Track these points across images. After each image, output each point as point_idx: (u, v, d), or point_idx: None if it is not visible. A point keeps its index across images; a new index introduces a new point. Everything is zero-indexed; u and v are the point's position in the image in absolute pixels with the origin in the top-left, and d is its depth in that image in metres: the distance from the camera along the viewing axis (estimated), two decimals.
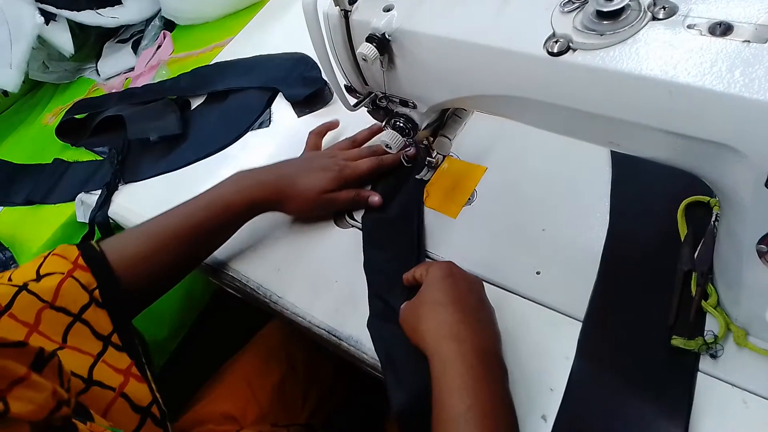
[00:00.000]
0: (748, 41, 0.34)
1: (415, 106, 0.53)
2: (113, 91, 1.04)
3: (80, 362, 0.46)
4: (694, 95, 0.35)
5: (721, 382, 0.48)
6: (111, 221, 0.85)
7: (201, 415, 0.73)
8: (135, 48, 1.13)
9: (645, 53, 0.36)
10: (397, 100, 0.54)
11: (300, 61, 0.88)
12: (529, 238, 0.61)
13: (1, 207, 0.92)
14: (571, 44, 0.38)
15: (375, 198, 0.66)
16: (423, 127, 0.57)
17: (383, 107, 0.56)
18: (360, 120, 0.78)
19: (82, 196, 0.87)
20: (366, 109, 0.58)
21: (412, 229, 0.65)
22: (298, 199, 0.66)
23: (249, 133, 0.86)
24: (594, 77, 0.38)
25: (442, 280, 0.52)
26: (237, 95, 0.90)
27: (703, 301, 0.51)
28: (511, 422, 0.46)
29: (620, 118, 0.39)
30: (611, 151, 0.64)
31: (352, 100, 0.54)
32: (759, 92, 0.33)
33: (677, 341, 0.49)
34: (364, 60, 0.47)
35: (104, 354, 0.48)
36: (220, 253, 0.72)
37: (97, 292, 0.51)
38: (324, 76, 0.85)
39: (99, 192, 0.85)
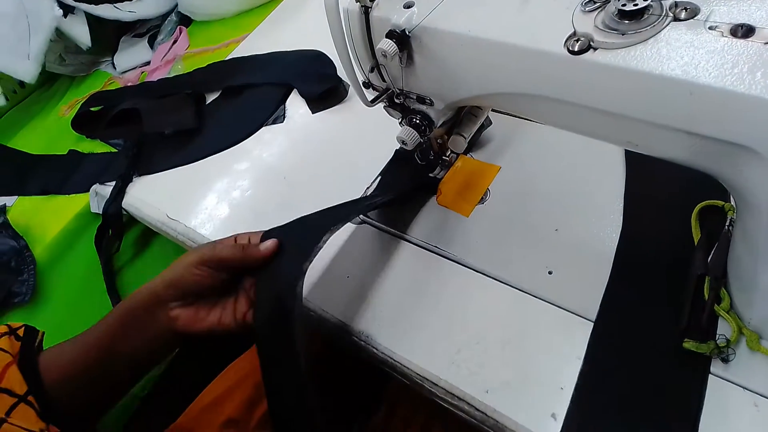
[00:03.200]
0: None
1: (432, 103, 0.53)
2: (129, 84, 1.05)
3: None
4: (714, 96, 0.35)
5: (733, 385, 0.48)
6: (124, 213, 0.86)
7: (201, 419, 0.71)
8: (151, 42, 1.14)
9: (666, 53, 0.36)
10: (414, 97, 0.54)
11: (315, 58, 0.89)
12: (541, 237, 0.61)
13: (16, 197, 0.93)
14: (592, 43, 0.38)
15: (269, 245, 0.56)
16: (439, 124, 0.57)
17: (400, 104, 0.56)
18: (374, 118, 0.78)
19: (96, 187, 0.88)
20: (382, 105, 0.58)
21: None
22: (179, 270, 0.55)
23: (263, 129, 0.87)
24: (614, 76, 0.38)
25: None
26: (252, 91, 0.91)
27: (715, 305, 0.51)
28: None
29: (640, 118, 0.39)
30: (625, 152, 0.64)
31: (370, 96, 0.55)
32: None
33: (689, 344, 0.49)
34: (384, 56, 0.47)
35: None
36: None
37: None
38: (341, 73, 0.86)
39: (113, 183, 0.86)
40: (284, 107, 0.88)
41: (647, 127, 0.39)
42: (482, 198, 0.67)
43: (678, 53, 0.36)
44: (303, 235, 0.57)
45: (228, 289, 0.57)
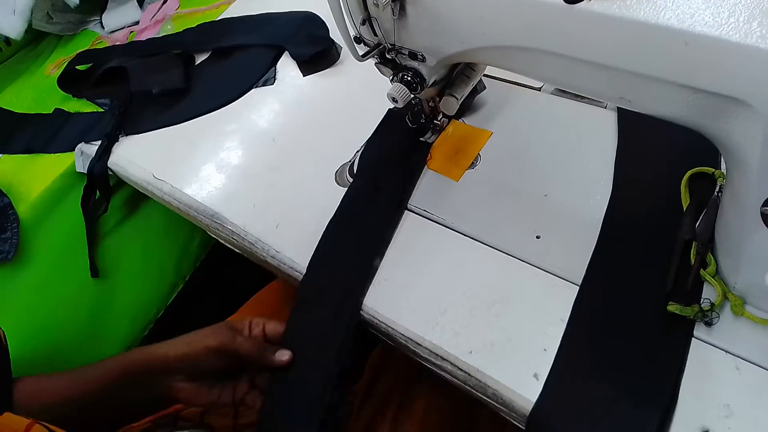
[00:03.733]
0: None
1: (424, 59, 0.52)
2: (117, 44, 1.03)
3: None
4: (709, 46, 0.34)
5: (715, 349, 0.48)
6: (110, 172, 0.84)
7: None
8: (140, 2, 1.11)
9: (662, 2, 0.35)
10: (406, 53, 0.53)
11: (307, 19, 0.87)
12: (530, 202, 0.61)
13: (1, 155, 0.92)
14: None
15: (284, 357, 0.56)
16: (430, 83, 0.56)
17: (391, 60, 0.55)
18: (366, 82, 0.77)
19: (82, 146, 0.86)
20: (374, 62, 0.57)
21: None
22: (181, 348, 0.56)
23: (253, 91, 0.85)
24: (610, 26, 0.37)
25: None
26: (242, 52, 0.89)
27: (701, 269, 0.51)
28: None
29: (634, 70, 0.38)
30: (618, 119, 0.63)
31: (361, 51, 0.53)
32: None
33: (673, 307, 0.49)
34: (376, 5, 0.46)
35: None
36: (218, 206, 0.72)
37: None
38: (334, 35, 0.85)
39: (99, 143, 0.85)
40: (275, 69, 0.86)
41: (641, 80, 0.39)
42: (473, 163, 0.66)
43: (674, 2, 0.35)
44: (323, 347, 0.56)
45: (229, 371, 0.58)
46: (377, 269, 0.60)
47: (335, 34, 0.85)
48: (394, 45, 0.53)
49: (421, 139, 0.69)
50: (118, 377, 0.55)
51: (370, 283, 0.60)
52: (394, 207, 0.64)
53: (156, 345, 0.56)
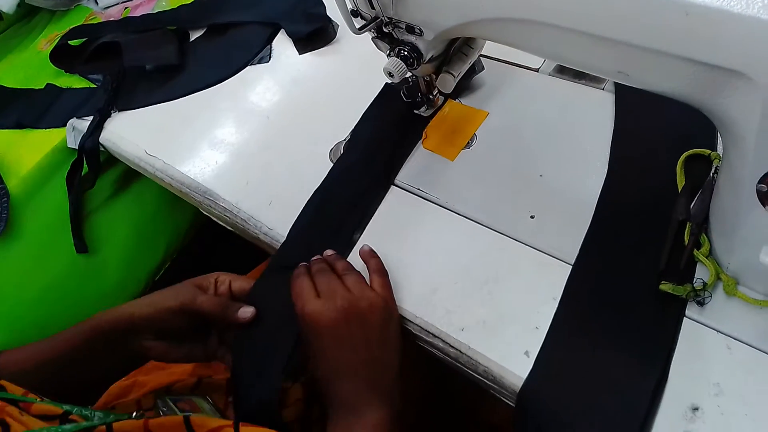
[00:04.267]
0: None
1: (421, 33, 0.52)
2: (111, 20, 1.02)
3: None
4: (710, 16, 0.33)
5: (707, 328, 0.48)
6: (102, 148, 0.83)
7: (140, 380, 0.71)
8: None
9: None
10: (403, 27, 0.52)
11: None
12: (526, 182, 0.61)
13: None
14: None
15: (247, 314, 0.55)
16: (427, 58, 0.55)
17: (388, 34, 0.54)
18: (362, 61, 0.77)
19: (73, 121, 0.85)
20: (371, 36, 0.56)
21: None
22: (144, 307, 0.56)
23: (248, 68, 0.84)
24: None
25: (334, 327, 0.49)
26: (238, 29, 0.88)
27: (695, 249, 0.51)
28: None
29: (634, 42, 0.38)
30: (615, 100, 0.63)
31: (358, 25, 0.53)
32: None
33: (666, 286, 0.49)
34: None
35: None
36: (211, 183, 0.71)
37: None
38: (330, 5, 0.84)
39: (91, 118, 0.83)
40: (270, 47, 0.85)
41: (640, 53, 0.38)
42: (468, 143, 0.66)
43: None
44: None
45: (198, 327, 0.58)
46: (356, 242, 0.61)
47: (332, 11, 0.84)
48: (391, 18, 0.52)
49: (415, 111, 0.68)
50: (89, 337, 0.55)
51: (348, 255, 0.60)
52: (380, 182, 0.64)
53: (124, 305, 0.56)
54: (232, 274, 0.60)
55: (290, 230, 0.63)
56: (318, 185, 0.66)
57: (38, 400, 0.42)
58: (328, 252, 0.58)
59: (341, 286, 0.51)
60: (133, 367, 0.60)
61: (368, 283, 0.53)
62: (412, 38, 0.53)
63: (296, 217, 0.63)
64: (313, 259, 0.57)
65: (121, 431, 0.40)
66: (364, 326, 0.50)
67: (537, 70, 0.70)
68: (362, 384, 0.49)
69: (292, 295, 0.52)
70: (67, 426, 0.39)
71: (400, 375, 0.50)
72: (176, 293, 0.56)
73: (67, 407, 0.42)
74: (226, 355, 0.58)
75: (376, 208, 0.63)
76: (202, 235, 1.00)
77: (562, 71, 0.68)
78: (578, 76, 0.67)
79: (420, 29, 0.51)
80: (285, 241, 0.62)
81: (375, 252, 0.57)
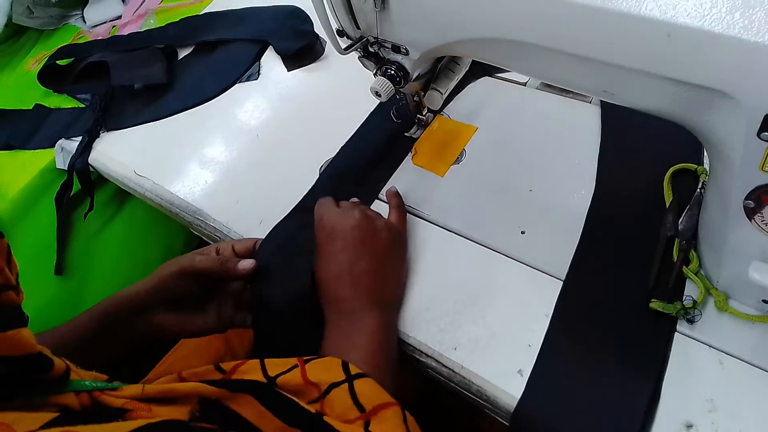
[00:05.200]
0: None
1: (407, 53, 0.52)
2: (99, 38, 1.01)
3: None
4: (692, 37, 0.34)
5: (699, 344, 0.48)
6: (91, 169, 0.83)
7: (174, 369, 0.71)
8: None
9: None
10: (389, 46, 0.52)
11: (292, 13, 0.86)
12: (515, 198, 0.61)
13: None
14: None
15: (247, 265, 0.56)
16: (414, 77, 0.55)
17: (374, 53, 0.54)
18: (351, 77, 0.76)
19: (62, 142, 0.85)
20: (357, 55, 0.56)
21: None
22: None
23: (237, 86, 0.84)
24: (592, 18, 0.37)
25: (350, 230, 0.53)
26: (226, 47, 0.88)
27: (684, 266, 0.51)
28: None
29: (617, 62, 0.38)
30: (601, 115, 0.63)
31: (344, 45, 0.53)
32: (758, 35, 0.32)
33: (656, 305, 0.49)
34: None
35: None
36: (201, 203, 0.71)
37: None
38: (318, 29, 0.84)
39: (80, 139, 0.83)
40: (259, 64, 0.85)
41: (623, 73, 0.38)
42: (458, 158, 0.66)
43: None
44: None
45: (208, 294, 0.58)
46: None
47: (319, 28, 0.84)
48: (377, 38, 0.52)
49: (405, 134, 0.68)
50: (101, 320, 0.55)
51: None
52: (364, 193, 0.64)
53: (129, 286, 0.56)
54: (233, 240, 0.62)
55: (266, 237, 0.62)
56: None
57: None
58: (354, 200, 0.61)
59: (362, 207, 0.57)
60: (153, 347, 0.59)
61: None
62: (398, 57, 0.53)
63: (275, 224, 0.63)
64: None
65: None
66: (375, 240, 0.54)
67: (524, 84, 0.70)
68: (363, 291, 0.51)
69: (315, 211, 0.57)
70: (116, 383, 0.38)
71: (398, 305, 0.55)
72: (176, 260, 0.56)
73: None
74: (246, 318, 0.58)
75: None
76: None
77: (549, 86, 0.68)
78: (565, 90, 0.67)
79: (406, 49, 0.51)
80: (262, 242, 0.62)
81: (399, 194, 0.62)
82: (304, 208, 0.64)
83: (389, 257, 0.55)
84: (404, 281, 0.57)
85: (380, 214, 0.58)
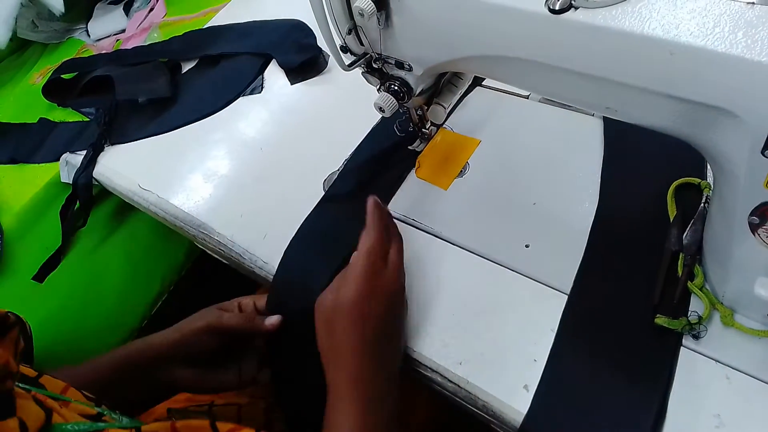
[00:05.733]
0: (753, 3, 0.33)
1: (410, 69, 0.52)
2: (103, 52, 1.02)
3: None
4: (695, 56, 0.34)
5: (705, 358, 0.48)
6: (95, 182, 0.83)
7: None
8: (127, 10, 1.11)
9: (647, 12, 0.35)
10: (393, 62, 0.53)
11: (295, 27, 0.87)
12: (519, 211, 0.61)
13: None
14: (573, 2, 0.37)
15: (273, 320, 0.56)
16: (418, 92, 0.56)
17: (378, 69, 0.55)
18: (354, 90, 0.77)
19: (67, 156, 0.85)
20: (361, 71, 0.57)
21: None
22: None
23: (240, 99, 0.84)
24: (595, 36, 0.37)
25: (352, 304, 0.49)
26: (229, 60, 0.89)
27: (688, 281, 0.51)
28: None
29: (619, 80, 0.38)
30: (604, 128, 0.63)
31: (347, 60, 0.53)
32: (761, 54, 0.32)
33: (661, 320, 0.49)
34: (361, 15, 0.45)
35: None
36: (205, 217, 0.71)
37: None
38: (321, 43, 0.84)
39: (84, 152, 0.84)
40: (262, 77, 0.86)
41: (627, 90, 0.38)
42: (461, 171, 0.66)
43: (659, 12, 0.35)
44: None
45: (231, 350, 0.57)
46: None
47: (322, 42, 0.85)
48: (380, 54, 0.52)
49: (409, 147, 0.68)
50: (122, 365, 0.55)
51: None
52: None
53: (153, 335, 0.56)
54: (254, 295, 0.61)
55: (280, 265, 0.62)
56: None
57: (73, 400, 0.42)
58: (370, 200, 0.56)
59: (358, 270, 0.50)
60: (168, 395, 0.59)
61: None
62: (401, 73, 0.54)
63: (286, 248, 0.63)
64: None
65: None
66: (379, 308, 0.50)
67: (527, 98, 0.70)
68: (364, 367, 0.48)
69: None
70: (101, 424, 0.39)
71: (397, 377, 0.51)
72: (201, 315, 0.56)
73: (99, 409, 0.42)
74: (267, 376, 0.58)
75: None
76: (198, 267, 0.99)
77: (551, 99, 0.68)
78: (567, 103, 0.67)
79: (409, 65, 0.52)
80: (275, 276, 0.62)
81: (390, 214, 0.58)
82: (311, 232, 0.64)
83: (392, 321, 0.51)
84: (405, 340, 0.54)
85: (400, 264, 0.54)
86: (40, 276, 0.82)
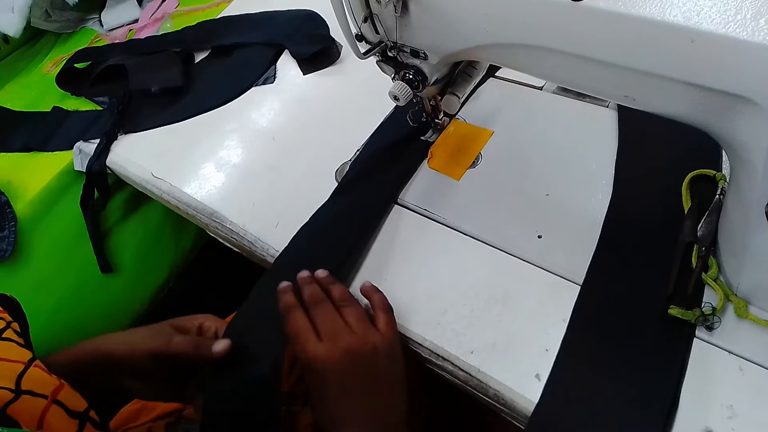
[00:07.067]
0: None
1: (426, 57, 0.52)
2: (116, 42, 1.03)
3: (7, 372, 0.41)
4: (716, 43, 0.34)
5: (718, 349, 0.47)
6: (109, 171, 0.84)
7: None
8: (140, 0, 1.11)
9: None
10: (408, 51, 0.53)
11: (308, 18, 0.87)
12: (532, 202, 0.61)
13: None
14: None
15: (220, 347, 0.52)
16: (432, 81, 0.56)
17: (393, 58, 0.55)
18: (366, 81, 0.77)
19: (80, 144, 0.86)
20: (375, 60, 0.57)
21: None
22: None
23: (253, 89, 0.85)
24: (615, 23, 0.37)
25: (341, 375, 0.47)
26: (242, 50, 0.89)
27: (703, 273, 0.51)
28: None
29: (640, 68, 0.38)
30: (618, 119, 0.63)
31: (363, 49, 0.53)
32: None
33: (674, 311, 0.49)
34: (378, 2, 0.45)
35: (33, 363, 0.43)
36: (218, 205, 0.71)
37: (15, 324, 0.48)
38: (334, 33, 0.84)
39: (98, 141, 0.84)
40: (275, 68, 0.86)
41: (646, 78, 0.38)
42: (474, 162, 0.66)
43: None
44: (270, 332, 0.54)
45: (182, 370, 0.55)
46: (354, 263, 0.61)
47: (335, 32, 0.85)
48: (396, 43, 0.52)
49: (422, 138, 0.68)
50: (78, 365, 0.53)
51: (348, 273, 0.60)
52: (382, 203, 0.64)
53: (103, 337, 0.54)
54: (220, 320, 0.58)
55: (286, 248, 0.62)
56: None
57: None
58: (321, 273, 0.56)
59: (343, 326, 0.49)
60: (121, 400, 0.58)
61: (371, 316, 0.53)
62: (416, 62, 0.54)
63: (295, 233, 0.63)
64: (302, 276, 0.55)
65: None
66: (369, 372, 0.48)
67: (540, 89, 0.70)
68: None
69: (289, 333, 0.50)
70: None
71: (406, 419, 0.49)
72: (151, 336, 0.54)
73: None
74: (196, 399, 0.55)
75: (377, 225, 0.63)
76: (206, 254, 1.00)
77: (565, 90, 0.68)
78: (581, 94, 0.67)
79: (425, 53, 0.52)
80: (279, 258, 0.62)
81: (377, 288, 0.55)
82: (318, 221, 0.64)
83: (388, 386, 0.50)
84: (407, 403, 0.50)
85: (366, 321, 0.51)
86: (106, 267, 0.86)
